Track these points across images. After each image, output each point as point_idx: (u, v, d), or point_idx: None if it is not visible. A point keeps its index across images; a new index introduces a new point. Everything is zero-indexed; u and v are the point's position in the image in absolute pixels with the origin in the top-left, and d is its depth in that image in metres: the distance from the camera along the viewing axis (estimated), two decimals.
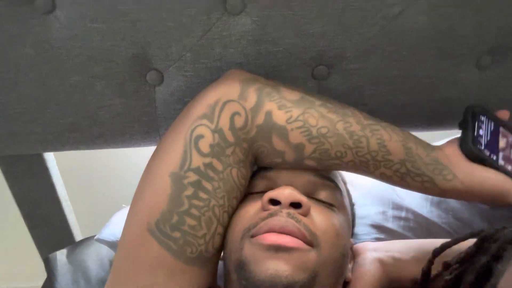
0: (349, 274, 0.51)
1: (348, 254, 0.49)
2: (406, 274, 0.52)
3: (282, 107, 0.48)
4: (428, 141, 0.83)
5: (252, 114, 0.48)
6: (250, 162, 0.51)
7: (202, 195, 0.46)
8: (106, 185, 1.02)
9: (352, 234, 0.58)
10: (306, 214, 0.44)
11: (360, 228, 0.62)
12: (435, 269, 0.49)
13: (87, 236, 0.75)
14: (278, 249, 0.41)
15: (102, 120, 0.60)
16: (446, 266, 0.48)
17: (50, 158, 0.70)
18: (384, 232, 0.61)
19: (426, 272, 0.50)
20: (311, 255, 0.42)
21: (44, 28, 0.52)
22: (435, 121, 0.64)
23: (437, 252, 0.49)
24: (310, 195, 0.49)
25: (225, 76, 0.51)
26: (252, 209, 0.47)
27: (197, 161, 0.46)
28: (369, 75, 0.58)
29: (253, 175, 0.52)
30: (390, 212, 0.64)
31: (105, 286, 0.48)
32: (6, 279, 1.24)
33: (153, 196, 0.46)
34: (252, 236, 0.43)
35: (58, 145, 0.62)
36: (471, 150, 0.48)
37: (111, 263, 0.68)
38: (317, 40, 0.55)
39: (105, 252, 0.68)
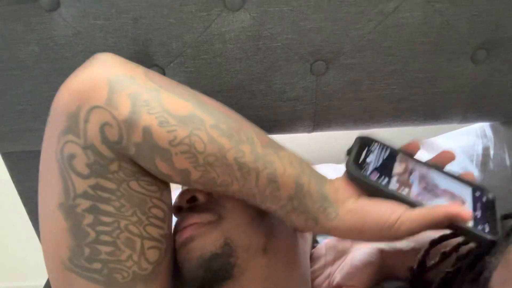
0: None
1: None
2: (405, 264, 0.53)
3: (164, 124, 0.39)
4: (428, 135, 0.85)
5: (127, 128, 0.39)
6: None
7: (106, 219, 0.41)
8: None
9: None
10: None
11: None
12: (432, 259, 0.50)
13: None
14: None
15: None
16: (444, 256, 0.49)
17: None
18: None
19: (422, 261, 0.50)
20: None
21: (49, 26, 0.54)
22: (431, 116, 0.64)
23: (435, 242, 0.50)
24: None
25: (88, 65, 0.40)
26: None
27: (80, 185, 0.39)
28: (366, 70, 0.59)
29: None
30: None
31: None
32: (11, 278, 1.25)
33: (53, 235, 0.41)
34: None
35: None
36: (351, 171, 0.45)
37: None
38: (315, 36, 0.56)
39: None
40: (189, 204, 0.52)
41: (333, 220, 0.43)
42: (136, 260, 0.42)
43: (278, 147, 0.44)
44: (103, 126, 0.38)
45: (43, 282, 0.73)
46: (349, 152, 0.49)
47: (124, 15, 0.53)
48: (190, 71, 0.58)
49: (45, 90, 0.58)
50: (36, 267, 1.03)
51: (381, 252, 0.54)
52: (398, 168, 0.47)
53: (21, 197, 0.73)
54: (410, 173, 0.47)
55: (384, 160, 0.48)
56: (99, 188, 0.40)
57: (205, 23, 0.54)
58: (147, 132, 0.38)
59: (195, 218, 0.50)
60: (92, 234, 0.40)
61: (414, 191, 0.45)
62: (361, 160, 0.47)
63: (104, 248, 0.41)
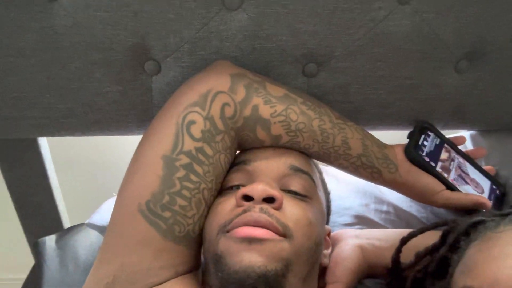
0: (325, 260, 0.54)
1: (322, 242, 0.50)
2: (384, 261, 0.55)
3: (267, 102, 0.53)
4: None
5: (241, 106, 0.52)
6: (235, 149, 0.55)
7: (193, 177, 0.49)
8: (96, 174, 1.03)
9: (328, 221, 0.60)
10: (278, 208, 0.46)
11: (344, 218, 0.65)
12: (409, 258, 0.52)
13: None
14: (251, 241, 0.42)
15: (98, 107, 0.62)
16: (418, 256, 0.51)
17: (44, 144, 0.71)
18: (366, 223, 0.64)
19: (395, 260, 0.52)
20: (284, 245, 0.43)
21: (49, 15, 0.54)
22: (415, 121, 0.67)
23: (404, 240, 0.52)
24: (284, 187, 0.50)
25: (214, 66, 0.55)
26: (227, 205, 0.48)
27: (189, 145, 0.49)
28: (355, 74, 0.62)
29: (230, 167, 0.54)
30: (372, 206, 0.67)
31: (94, 264, 0.49)
32: None
33: (145, 178, 0.49)
34: (227, 231, 0.45)
35: (54, 131, 0.64)
36: (411, 153, 0.58)
37: None
38: (309, 39, 0.58)
39: (95, 238, 0.69)
40: (261, 202, 0.47)
41: (393, 173, 0.58)
42: (195, 221, 0.49)
43: (346, 119, 0.58)
44: (224, 106, 0.52)
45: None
46: (410, 135, 0.62)
47: (125, 7, 0.54)
48: (186, 66, 0.59)
49: (42, 78, 0.58)
50: (17, 260, 1.02)
51: (361, 248, 0.55)
52: (443, 155, 0.61)
53: (8, 185, 0.73)
54: (451, 161, 0.61)
55: (435, 146, 0.62)
56: (201, 151, 0.49)
57: (203, 20, 0.56)
58: (255, 108, 0.53)
59: (273, 224, 0.44)
60: (178, 186, 0.48)
61: (451, 176, 0.59)
62: (420, 142, 0.60)
63: (180, 201, 0.48)
